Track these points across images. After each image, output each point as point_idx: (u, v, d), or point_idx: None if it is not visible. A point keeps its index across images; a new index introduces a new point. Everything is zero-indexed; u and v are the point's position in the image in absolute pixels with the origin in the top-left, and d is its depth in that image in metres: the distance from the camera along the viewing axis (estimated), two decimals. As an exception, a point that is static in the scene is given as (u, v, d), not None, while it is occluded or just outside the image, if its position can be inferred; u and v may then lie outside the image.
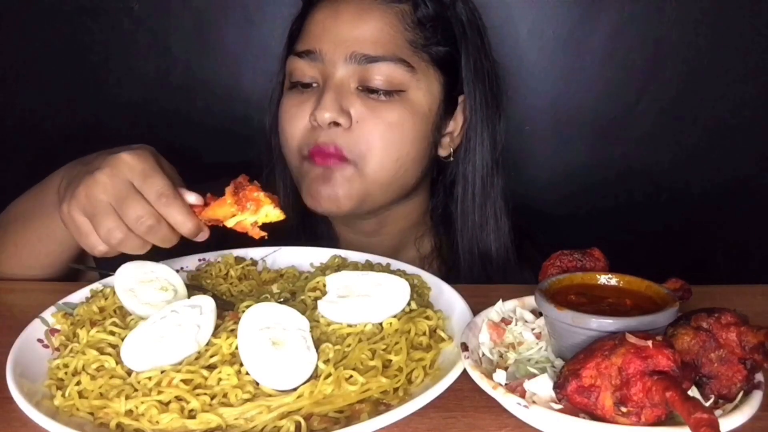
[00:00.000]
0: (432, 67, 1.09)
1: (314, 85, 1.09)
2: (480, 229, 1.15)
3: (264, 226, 0.81)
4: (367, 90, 1.05)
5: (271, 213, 0.80)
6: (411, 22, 1.08)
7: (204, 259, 1.00)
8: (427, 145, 1.11)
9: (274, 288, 0.90)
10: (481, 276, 1.14)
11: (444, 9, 1.11)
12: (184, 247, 0.94)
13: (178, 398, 0.65)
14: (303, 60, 1.08)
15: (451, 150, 1.17)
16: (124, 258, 0.85)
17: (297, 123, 1.08)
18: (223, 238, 0.88)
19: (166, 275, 0.85)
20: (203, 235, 0.81)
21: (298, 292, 0.87)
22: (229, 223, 0.80)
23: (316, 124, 1.05)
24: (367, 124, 1.05)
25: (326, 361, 0.69)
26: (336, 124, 1.04)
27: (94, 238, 0.79)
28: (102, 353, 0.72)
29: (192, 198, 0.80)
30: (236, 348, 0.69)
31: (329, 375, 0.66)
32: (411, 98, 1.07)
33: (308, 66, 1.08)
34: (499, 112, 1.16)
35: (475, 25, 1.14)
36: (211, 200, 0.81)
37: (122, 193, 0.78)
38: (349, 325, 0.76)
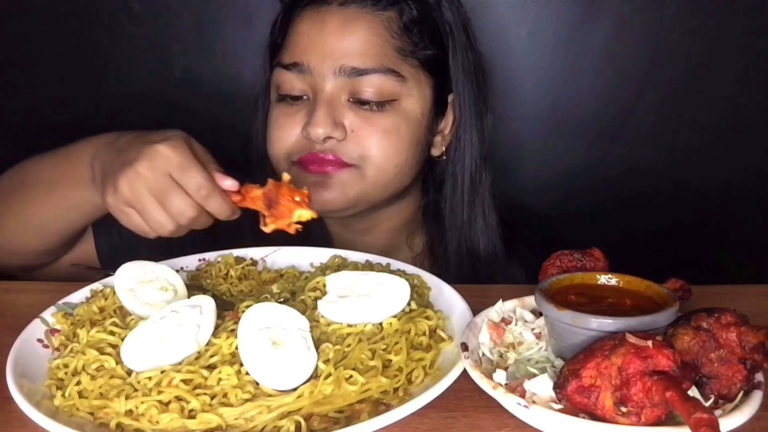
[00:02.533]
0: (422, 72, 1.09)
1: (304, 97, 1.08)
2: (469, 226, 1.15)
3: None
4: (359, 102, 1.05)
5: (304, 214, 0.86)
6: (398, 29, 1.06)
7: (204, 259, 1.00)
8: (421, 148, 1.11)
9: (274, 288, 0.90)
10: (469, 272, 1.14)
11: (429, 10, 1.10)
12: (184, 247, 0.94)
13: (178, 398, 0.65)
14: (291, 72, 1.07)
15: (443, 149, 1.17)
16: (124, 258, 0.85)
17: (287, 134, 1.08)
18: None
19: (166, 275, 0.85)
20: (235, 215, 0.88)
21: (298, 292, 0.87)
22: (266, 229, 0.86)
23: (309, 138, 1.04)
24: (362, 132, 1.04)
25: (326, 361, 0.69)
26: (330, 138, 1.03)
27: (145, 228, 0.86)
28: (102, 353, 0.72)
29: (228, 183, 0.85)
30: (236, 348, 0.69)
31: (329, 375, 0.66)
32: (403, 106, 1.07)
33: (296, 79, 1.07)
34: (486, 107, 1.16)
35: (460, 22, 1.13)
36: (247, 190, 0.86)
37: (164, 188, 0.83)
38: (349, 325, 0.76)
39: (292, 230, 0.86)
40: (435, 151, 1.16)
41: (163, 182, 0.83)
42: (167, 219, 0.84)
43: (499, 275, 1.15)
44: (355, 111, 1.05)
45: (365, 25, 1.05)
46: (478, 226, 1.15)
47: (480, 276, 1.14)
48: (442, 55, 1.11)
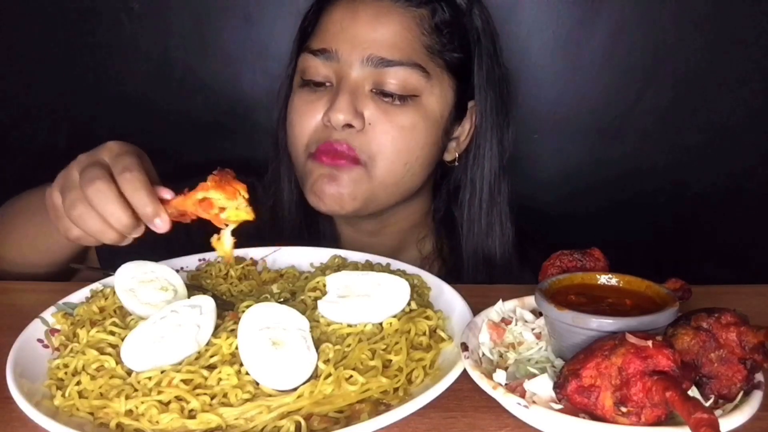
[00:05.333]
0: (446, 73, 1.09)
1: (327, 84, 1.08)
2: (486, 236, 1.15)
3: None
4: (382, 93, 1.05)
5: (242, 207, 0.76)
6: (428, 27, 1.07)
7: (204, 259, 1.00)
8: (436, 150, 1.12)
9: (274, 288, 0.90)
10: (485, 280, 1.15)
11: (460, 15, 1.11)
12: (186, 246, 0.94)
13: (178, 398, 0.65)
14: (318, 58, 1.07)
15: (456, 155, 1.16)
16: (125, 258, 0.85)
17: (308, 121, 1.08)
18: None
19: (166, 275, 0.85)
20: (161, 223, 0.76)
21: (298, 292, 0.87)
22: (198, 196, 0.76)
23: (329, 124, 1.04)
24: (380, 127, 1.04)
25: (326, 361, 0.69)
26: (349, 125, 1.03)
27: (66, 220, 0.80)
28: (102, 353, 0.72)
29: (166, 194, 0.78)
30: (236, 348, 0.69)
31: (329, 375, 0.66)
32: (424, 103, 1.07)
33: (323, 65, 1.07)
34: (508, 120, 1.16)
35: (488, 31, 1.13)
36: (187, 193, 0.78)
37: (93, 173, 0.76)
38: (349, 325, 0.76)
39: (218, 222, 0.77)
40: (447, 156, 1.16)
41: (92, 165, 0.77)
42: (80, 197, 0.76)
43: (512, 282, 1.15)
44: (376, 102, 1.05)
45: (397, 18, 1.06)
46: (495, 235, 1.15)
47: (494, 283, 1.14)
48: (467, 61, 1.12)
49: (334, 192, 1.06)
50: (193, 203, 0.77)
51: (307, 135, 1.08)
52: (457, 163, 1.17)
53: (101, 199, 0.75)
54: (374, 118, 1.04)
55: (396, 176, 1.07)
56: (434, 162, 1.13)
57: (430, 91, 1.07)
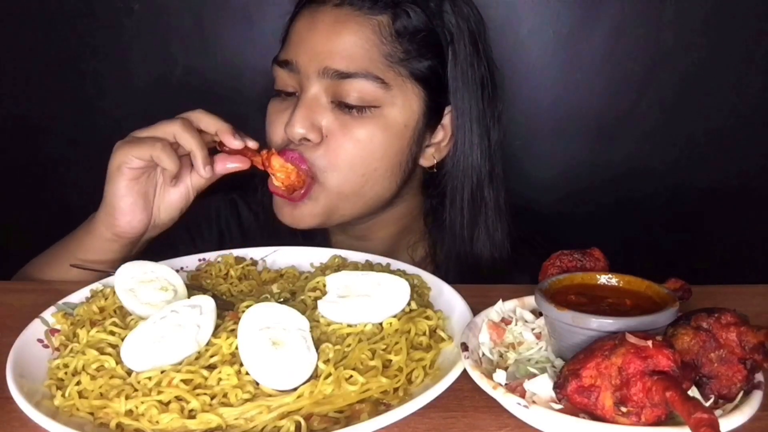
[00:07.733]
0: (410, 82, 1.05)
1: (297, 93, 1.07)
2: (470, 241, 1.12)
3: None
4: (340, 105, 1.03)
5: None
6: (389, 35, 1.04)
7: (204, 259, 1.00)
8: (402, 158, 1.08)
9: (274, 288, 0.90)
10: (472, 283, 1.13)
11: (429, 19, 1.06)
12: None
13: (178, 398, 0.65)
14: (283, 69, 1.07)
15: (435, 161, 1.13)
16: (124, 258, 0.85)
17: (276, 129, 1.08)
18: None
19: (166, 275, 0.85)
20: (237, 142, 1.00)
21: (298, 292, 0.87)
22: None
23: (287, 137, 1.04)
24: (336, 140, 1.03)
25: (326, 361, 0.69)
26: (306, 139, 1.03)
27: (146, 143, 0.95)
28: (102, 353, 0.72)
29: (251, 143, 1.01)
30: (236, 348, 0.69)
31: (329, 375, 0.66)
32: (385, 114, 1.04)
33: (287, 76, 1.07)
34: (494, 122, 1.12)
35: (466, 32, 1.08)
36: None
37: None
38: (349, 325, 0.76)
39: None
40: (424, 162, 1.13)
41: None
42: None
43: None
44: (335, 114, 1.03)
45: (355, 27, 1.03)
46: (481, 241, 1.13)
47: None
48: (439, 66, 1.08)
49: (295, 213, 1.07)
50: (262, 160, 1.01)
51: (277, 144, 1.08)
52: (435, 170, 1.14)
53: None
54: (331, 131, 1.03)
55: (353, 186, 1.05)
56: (403, 170, 1.09)
57: (391, 101, 1.04)
